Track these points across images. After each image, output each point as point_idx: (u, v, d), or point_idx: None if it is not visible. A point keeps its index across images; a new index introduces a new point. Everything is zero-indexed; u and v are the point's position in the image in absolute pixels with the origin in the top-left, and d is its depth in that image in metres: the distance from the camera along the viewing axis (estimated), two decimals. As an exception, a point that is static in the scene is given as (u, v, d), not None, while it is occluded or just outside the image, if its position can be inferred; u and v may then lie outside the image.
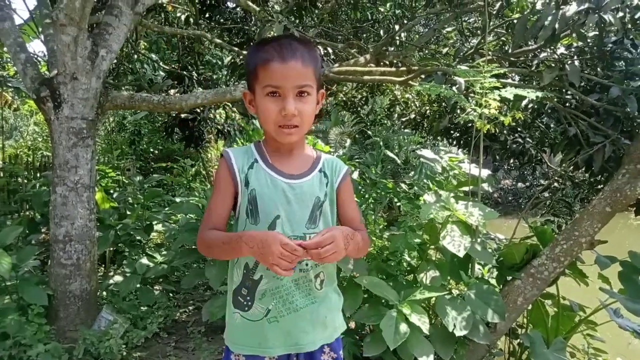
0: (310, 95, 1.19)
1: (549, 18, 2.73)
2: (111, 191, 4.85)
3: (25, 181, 5.29)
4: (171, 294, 3.98)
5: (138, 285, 3.43)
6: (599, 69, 3.23)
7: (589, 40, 3.10)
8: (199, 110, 6.22)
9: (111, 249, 4.18)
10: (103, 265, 4.23)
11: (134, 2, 3.11)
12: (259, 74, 1.18)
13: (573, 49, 3.29)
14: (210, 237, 1.21)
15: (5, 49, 5.69)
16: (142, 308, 3.40)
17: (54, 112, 2.90)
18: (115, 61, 3.26)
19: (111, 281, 3.65)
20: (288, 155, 1.28)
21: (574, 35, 2.98)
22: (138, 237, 4.08)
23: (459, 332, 2.27)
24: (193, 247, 3.51)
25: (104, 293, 3.49)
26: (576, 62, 3.10)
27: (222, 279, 3.03)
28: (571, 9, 2.66)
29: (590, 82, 3.18)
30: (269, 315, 1.22)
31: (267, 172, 1.24)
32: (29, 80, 3.00)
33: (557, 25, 2.69)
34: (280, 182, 1.24)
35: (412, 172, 3.06)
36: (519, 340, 2.89)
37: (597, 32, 2.99)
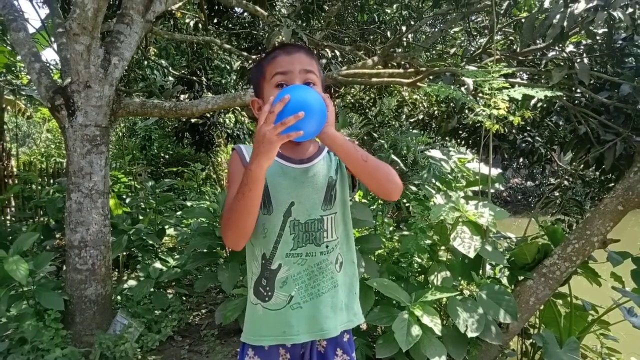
0: (316, 85, 1.24)
1: (558, 16, 2.72)
2: (124, 196, 4.91)
3: (39, 188, 5.37)
4: (184, 298, 4.02)
5: (152, 289, 3.48)
6: (608, 67, 3.21)
7: (598, 38, 3.08)
8: (208, 115, 6.28)
9: (124, 253, 4.23)
10: (117, 270, 4.28)
11: (144, 10, 3.16)
12: (266, 71, 1.24)
13: (582, 47, 3.27)
14: (227, 205, 1.17)
15: (19, 58, 5.81)
16: (156, 312, 3.44)
17: (68, 120, 2.96)
18: (126, 68, 3.31)
19: (125, 285, 3.70)
20: (296, 143, 1.25)
21: (582, 32, 2.97)
22: (151, 242, 4.13)
23: (471, 333, 2.28)
24: (205, 250, 3.55)
25: (119, 297, 3.54)
26: (585, 60, 3.08)
27: (235, 282, 3.06)
28: (580, 6, 2.65)
29: (600, 80, 3.16)
30: (292, 302, 1.23)
31: (277, 161, 1.24)
32: (43, 89, 3.07)
33: (565, 23, 2.69)
34: (292, 169, 1.26)
35: (422, 173, 3.07)
36: (531, 340, 2.88)
37: (606, 29, 2.97)
